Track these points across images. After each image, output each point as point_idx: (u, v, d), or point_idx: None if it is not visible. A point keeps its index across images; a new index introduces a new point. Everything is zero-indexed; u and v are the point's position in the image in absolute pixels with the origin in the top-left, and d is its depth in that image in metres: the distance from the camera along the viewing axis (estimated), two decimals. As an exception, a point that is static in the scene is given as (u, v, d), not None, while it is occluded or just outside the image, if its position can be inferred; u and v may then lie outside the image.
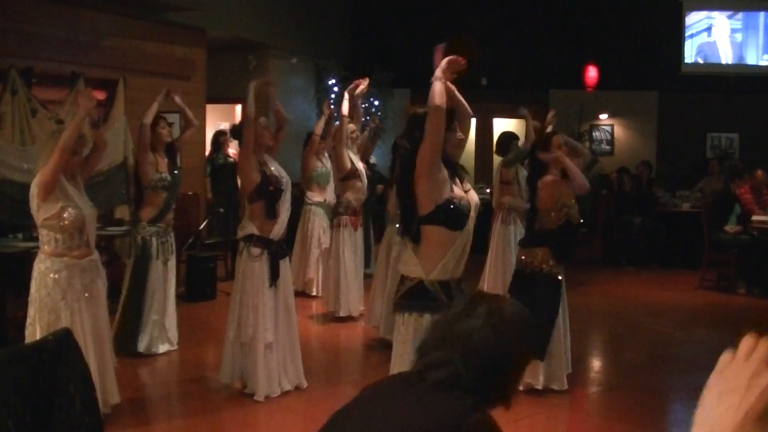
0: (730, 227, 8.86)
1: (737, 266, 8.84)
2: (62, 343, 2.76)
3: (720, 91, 12.16)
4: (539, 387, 5.07)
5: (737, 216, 8.98)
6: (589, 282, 9.15)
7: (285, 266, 5.10)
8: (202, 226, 8.49)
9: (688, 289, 8.98)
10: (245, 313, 4.92)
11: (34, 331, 4.12)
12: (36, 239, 6.36)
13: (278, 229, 4.99)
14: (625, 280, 9.57)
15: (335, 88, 12.22)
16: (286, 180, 5.11)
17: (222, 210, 8.93)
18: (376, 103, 12.47)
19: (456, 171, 3.53)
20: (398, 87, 12.81)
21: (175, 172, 5.99)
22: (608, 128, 12.87)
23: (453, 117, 3.46)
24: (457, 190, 3.47)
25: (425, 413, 1.69)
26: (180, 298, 8.05)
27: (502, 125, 13.49)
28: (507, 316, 1.80)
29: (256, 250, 4.91)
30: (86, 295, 4.30)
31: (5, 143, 6.32)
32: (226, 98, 11.00)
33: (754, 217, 8.80)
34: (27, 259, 6.63)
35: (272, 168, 5.06)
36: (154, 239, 5.82)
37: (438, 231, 3.39)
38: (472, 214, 3.47)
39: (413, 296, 3.41)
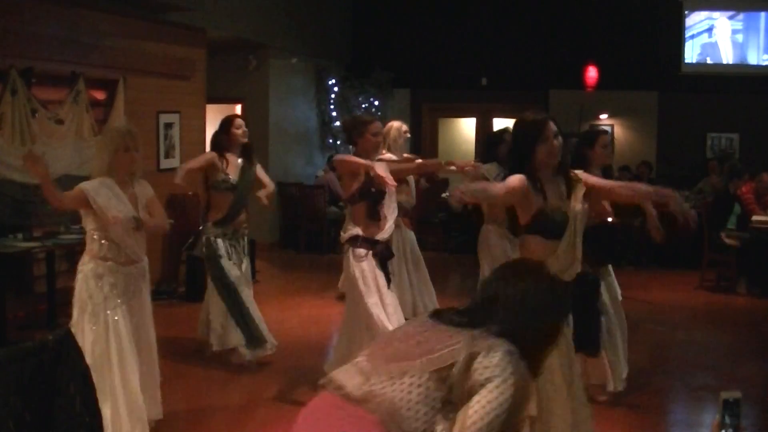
0: (728, 237, 8.80)
1: (737, 265, 8.83)
2: (62, 343, 2.76)
3: (720, 91, 12.15)
4: (611, 388, 4.98)
5: (737, 216, 8.97)
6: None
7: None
8: (202, 227, 8.43)
9: (688, 289, 8.97)
10: (368, 312, 4.73)
11: (80, 332, 3.98)
12: (36, 239, 6.40)
13: (386, 231, 4.89)
14: (625, 280, 9.54)
15: (335, 88, 12.23)
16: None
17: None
18: (377, 103, 12.47)
19: (557, 177, 3.55)
20: (398, 87, 12.81)
21: (245, 173, 5.77)
22: (608, 128, 12.85)
23: (545, 127, 3.50)
24: (554, 201, 3.50)
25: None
26: (180, 299, 8.07)
27: (502, 125, 13.47)
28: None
29: (361, 251, 4.79)
30: (130, 302, 4.21)
31: (5, 143, 6.31)
32: (226, 98, 10.99)
33: (755, 217, 8.78)
34: (27, 259, 6.65)
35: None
36: (219, 240, 5.68)
37: (536, 240, 3.49)
38: (573, 223, 3.47)
39: None
